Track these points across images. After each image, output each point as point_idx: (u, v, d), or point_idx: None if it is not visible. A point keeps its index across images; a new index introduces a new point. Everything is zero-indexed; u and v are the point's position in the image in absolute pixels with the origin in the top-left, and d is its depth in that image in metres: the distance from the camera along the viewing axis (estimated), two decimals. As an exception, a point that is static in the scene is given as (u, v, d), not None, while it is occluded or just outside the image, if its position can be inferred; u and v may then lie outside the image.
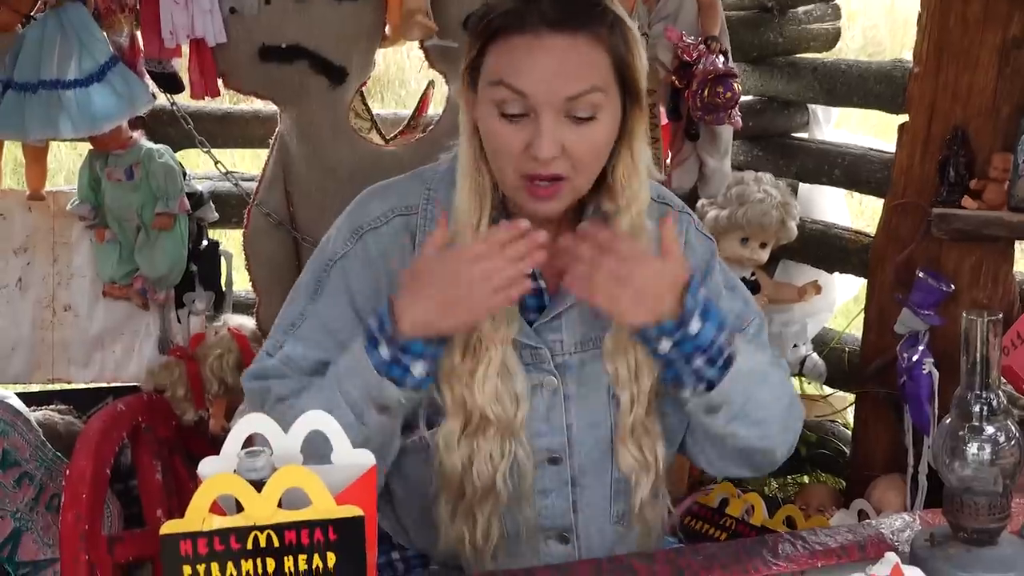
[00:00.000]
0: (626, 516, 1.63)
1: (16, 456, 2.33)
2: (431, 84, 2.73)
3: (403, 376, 1.43)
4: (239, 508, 1.11)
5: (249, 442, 1.19)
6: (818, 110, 3.41)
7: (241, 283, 2.75)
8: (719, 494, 2.86)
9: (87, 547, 1.55)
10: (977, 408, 1.37)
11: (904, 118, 2.66)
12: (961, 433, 1.38)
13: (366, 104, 2.62)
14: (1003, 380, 2.44)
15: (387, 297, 1.46)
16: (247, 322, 2.56)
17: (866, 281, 2.92)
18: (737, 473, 1.69)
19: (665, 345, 1.45)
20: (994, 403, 1.38)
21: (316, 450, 1.21)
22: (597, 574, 1.47)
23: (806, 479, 3.58)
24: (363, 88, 2.57)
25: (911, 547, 1.46)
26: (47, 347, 2.57)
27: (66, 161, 5.07)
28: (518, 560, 1.58)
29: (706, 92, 2.56)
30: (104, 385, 2.73)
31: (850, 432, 3.21)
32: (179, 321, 2.58)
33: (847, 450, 3.28)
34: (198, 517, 1.06)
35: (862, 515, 2.69)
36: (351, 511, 1.07)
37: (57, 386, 2.78)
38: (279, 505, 1.08)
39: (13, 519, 2.30)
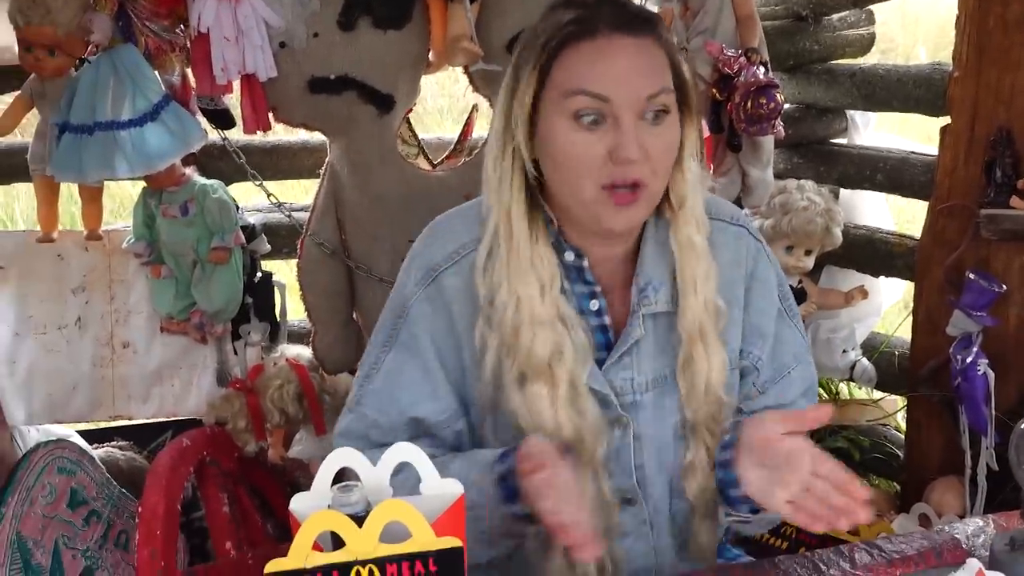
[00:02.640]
0: (684, 548, 1.62)
1: (84, 495, 2.36)
2: (475, 108, 2.75)
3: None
4: (335, 543, 1.12)
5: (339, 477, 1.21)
6: (856, 115, 3.40)
7: (295, 313, 2.77)
8: (776, 504, 2.86)
9: None
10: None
11: (945, 120, 2.65)
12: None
13: (413, 131, 2.64)
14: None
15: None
16: (304, 352, 2.58)
17: (912, 284, 2.91)
18: None
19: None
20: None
21: (404, 481, 1.23)
22: None
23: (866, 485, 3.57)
24: (408, 115, 2.59)
25: (991, 551, 1.46)
26: (107, 384, 2.60)
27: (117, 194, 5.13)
28: None
29: (749, 104, 2.56)
30: (164, 420, 2.75)
31: (902, 435, 3.20)
32: (235, 353, 2.60)
33: (900, 454, 3.26)
34: (302, 555, 1.07)
35: (923, 519, 2.68)
36: (450, 542, 1.09)
37: (116, 423, 2.80)
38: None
39: (84, 557, 2.33)
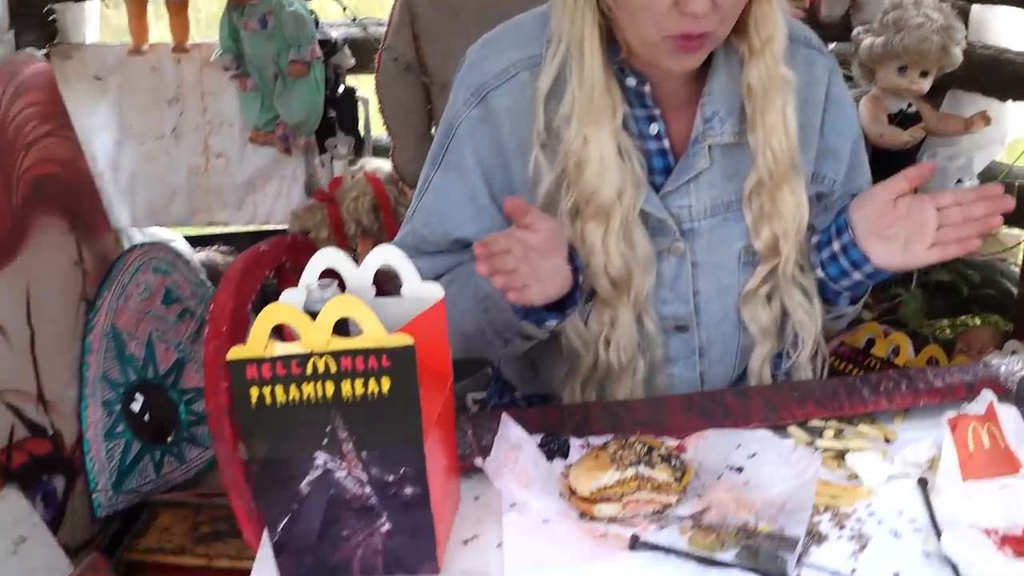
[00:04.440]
0: (742, 380, 1.63)
1: (177, 293, 2.52)
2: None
3: (539, 324, 1.44)
4: None
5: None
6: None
7: (379, 127, 2.81)
8: (865, 334, 2.80)
9: (227, 375, 1.67)
10: None
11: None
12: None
13: (491, -58, 2.59)
14: None
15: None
16: (384, 165, 2.63)
17: (1042, 109, 2.73)
18: None
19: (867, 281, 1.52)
20: None
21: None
22: (690, 407, 1.47)
23: (977, 321, 3.45)
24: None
25: (1017, 388, 1.41)
26: (203, 192, 2.73)
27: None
28: None
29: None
30: (261, 228, 2.89)
31: (1019, 271, 3.07)
32: (323, 166, 2.69)
33: (1015, 290, 3.15)
34: (260, 344, 1.13)
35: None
36: (401, 340, 1.11)
37: (218, 229, 2.95)
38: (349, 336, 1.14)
39: (176, 350, 2.51)
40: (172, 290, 2.50)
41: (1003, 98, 3.11)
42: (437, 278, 1.52)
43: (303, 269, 2.55)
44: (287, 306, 1.14)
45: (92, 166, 2.59)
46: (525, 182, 1.51)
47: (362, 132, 2.66)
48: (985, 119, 3.01)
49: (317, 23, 2.49)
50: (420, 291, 1.27)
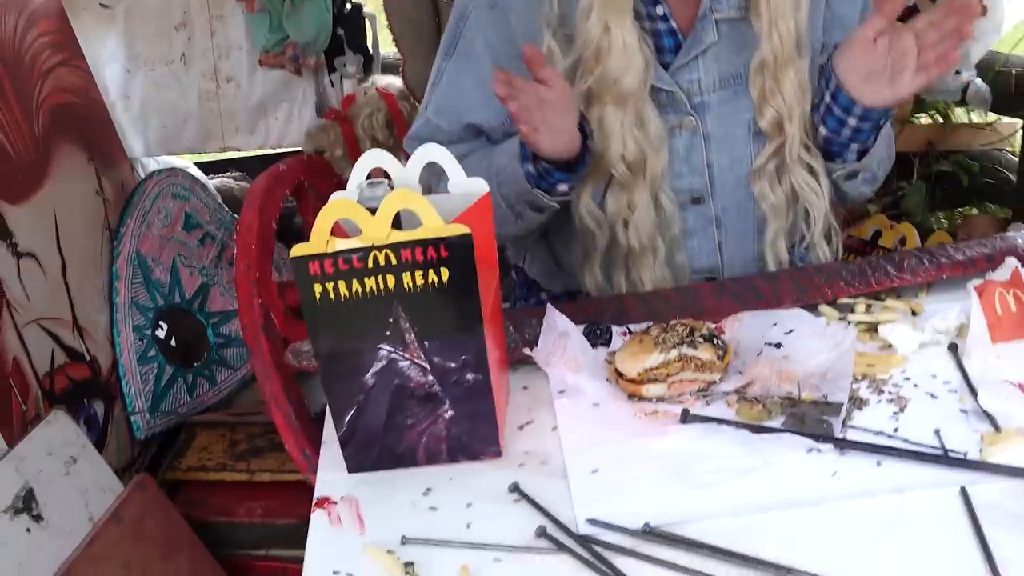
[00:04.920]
0: (761, 259, 1.67)
1: (198, 218, 2.55)
2: None
3: (551, 189, 1.50)
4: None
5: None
6: None
7: (387, 45, 2.83)
8: (872, 226, 2.86)
9: (259, 292, 1.70)
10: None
11: None
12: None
13: None
14: None
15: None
16: (395, 81, 2.65)
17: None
18: None
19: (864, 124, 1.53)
20: None
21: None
22: (720, 292, 1.51)
23: (974, 211, 3.51)
24: None
25: None
26: (215, 117, 2.74)
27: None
28: None
29: None
30: (272, 151, 2.90)
31: (1017, 159, 3.11)
32: (332, 85, 2.70)
33: (1013, 178, 3.20)
34: (321, 240, 1.16)
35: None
36: (458, 229, 1.15)
37: (230, 155, 2.97)
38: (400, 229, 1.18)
39: (201, 275, 2.54)
40: (192, 215, 2.53)
41: (998, -12, 3.12)
42: None
43: (321, 188, 2.58)
44: (348, 201, 1.17)
45: (103, 95, 2.60)
46: None
47: (371, 49, 2.67)
48: (982, 8, 3.02)
49: (323, -59, 2.49)
50: (466, 186, 1.30)
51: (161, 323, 2.45)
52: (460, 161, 1.39)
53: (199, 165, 2.91)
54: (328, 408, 1.27)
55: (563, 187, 1.52)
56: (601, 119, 1.54)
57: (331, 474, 1.27)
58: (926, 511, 1.08)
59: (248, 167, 2.96)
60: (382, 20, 2.66)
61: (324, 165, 2.59)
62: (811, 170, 1.62)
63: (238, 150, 2.86)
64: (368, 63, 2.69)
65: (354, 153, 2.56)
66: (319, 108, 2.71)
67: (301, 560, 1.14)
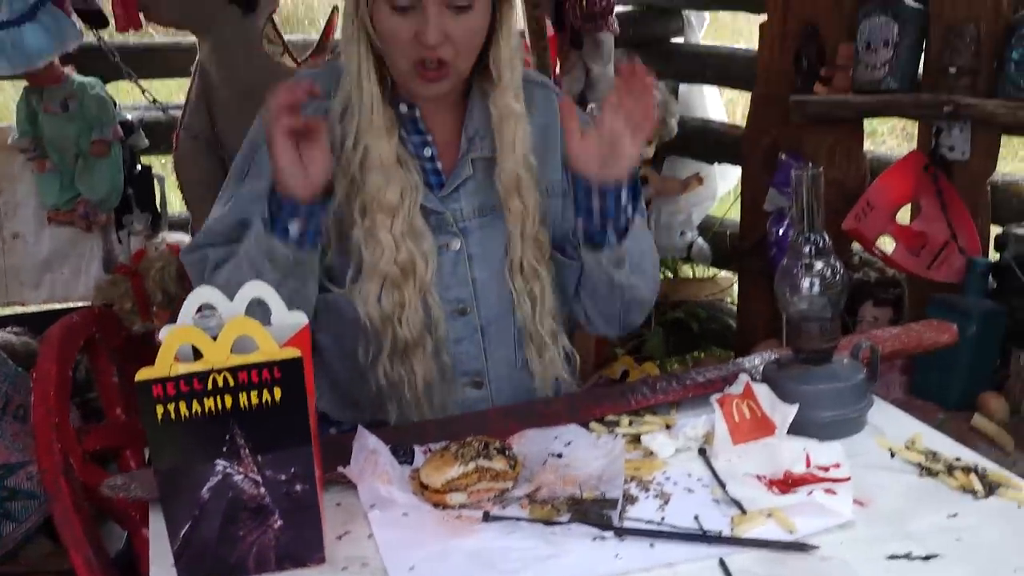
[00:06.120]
0: (528, 363, 1.88)
1: (-24, 373, 2.53)
2: (335, 9, 2.93)
3: (283, 234, 1.64)
4: (196, 358, 1.33)
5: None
6: (691, 16, 3.67)
7: (175, 204, 2.95)
8: (620, 367, 3.18)
9: (58, 437, 1.76)
10: (807, 249, 1.58)
11: (764, 18, 2.94)
12: (795, 271, 1.59)
13: (278, 31, 2.82)
14: (862, 248, 2.76)
15: None
16: (184, 237, 2.77)
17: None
18: (609, 330, 1.95)
19: (607, 202, 1.72)
20: (820, 244, 1.58)
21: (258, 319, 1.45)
22: (506, 417, 1.72)
23: (702, 355, 3.92)
24: (273, 16, 2.77)
25: (762, 371, 1.71)
26: (0, 273, 2.75)
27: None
28: (442, 407, 1.83)
29: (583, 1, 2.81)
30: (57, 306, 2.92)
31: (736, 307, 3.52)
32: (120, 242, 2.78)
33: (734, 324, 3.57)
34: (166, 365, 1.28)
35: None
36: (291, 352, 1.30)
37: (10, 310, 2.95)
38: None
39: (-18, 429, 2.51)
40: (-30, 370, 2.51)
41: (711, 161, 3.63)
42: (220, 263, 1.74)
43: (111, 341, 2.64)
44: (193, 328, 1.30)
45: None
46: None
47: (159, 208, 2.79)
48: (699, 179, 3.51)
49: (115, 105, 2.62)
50: (286, 318, 1.45)
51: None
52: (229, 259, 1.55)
53: (-26, 320, 2.89)
54: (165, 524, 1.35)
55: (295, 228, 1.65)
56: (373, 227, 1.75)
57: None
58: (693, 578, 1.30)
59: (30, 323, 2.95)
60: (171, 181, 2.80)
61: (114, 317, 2.65)
62: (539, 279, 1.85)
63: (23, 304, 2.86)
64: (156, 221, 2.81)
65: (143, 307, 2.65)
66: (107, 264, 2.78)
67: None
